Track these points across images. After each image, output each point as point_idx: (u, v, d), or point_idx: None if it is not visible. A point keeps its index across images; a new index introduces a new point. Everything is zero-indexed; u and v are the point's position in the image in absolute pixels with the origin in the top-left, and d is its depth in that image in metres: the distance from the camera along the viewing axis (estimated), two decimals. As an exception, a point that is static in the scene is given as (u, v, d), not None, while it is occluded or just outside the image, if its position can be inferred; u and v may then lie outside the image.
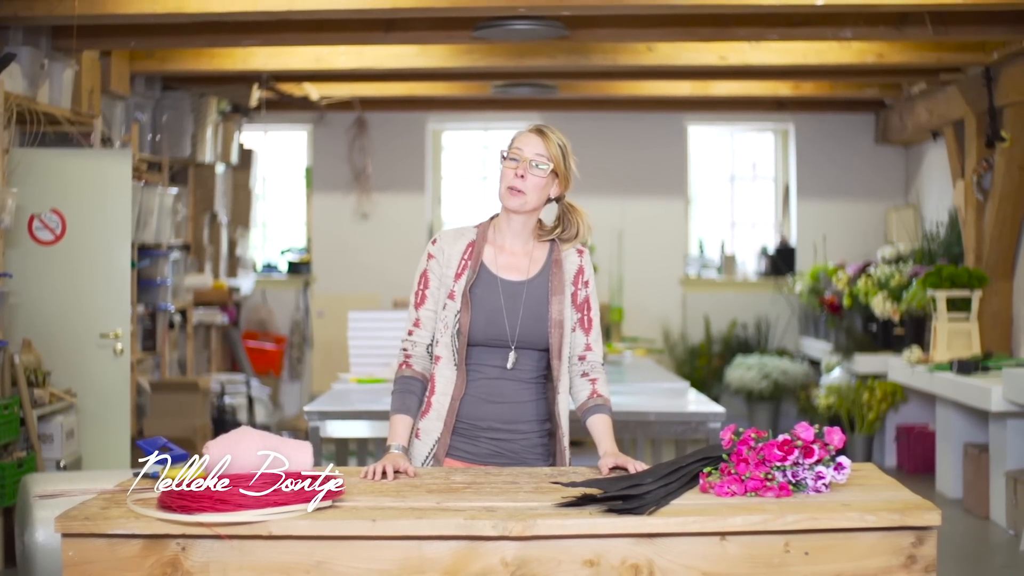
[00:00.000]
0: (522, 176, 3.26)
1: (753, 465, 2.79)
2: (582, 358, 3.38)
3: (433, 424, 3.31)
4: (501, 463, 3.32)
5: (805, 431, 2.83)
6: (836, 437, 2.85)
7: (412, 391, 3.33)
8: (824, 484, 2.79)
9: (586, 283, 3.39)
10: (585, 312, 3.39)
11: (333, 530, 2.58)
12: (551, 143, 3.28)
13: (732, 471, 2.80)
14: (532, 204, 3.30)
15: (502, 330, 3.28)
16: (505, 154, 3.30)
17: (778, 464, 2.78)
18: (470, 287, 3.29)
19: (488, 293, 3.29)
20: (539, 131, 3.30)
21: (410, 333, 3.37)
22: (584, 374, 3.38)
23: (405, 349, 3.37)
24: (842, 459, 2.84)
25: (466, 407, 3.31)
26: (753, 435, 2.86)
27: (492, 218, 3.42)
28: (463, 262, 3.33)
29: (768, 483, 2.76)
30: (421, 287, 3.36)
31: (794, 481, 2.79)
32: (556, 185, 3.33)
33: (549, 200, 3.36)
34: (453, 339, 3.29)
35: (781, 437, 2.83)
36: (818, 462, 2.80)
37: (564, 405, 3.36)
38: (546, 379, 3.37)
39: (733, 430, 2.90)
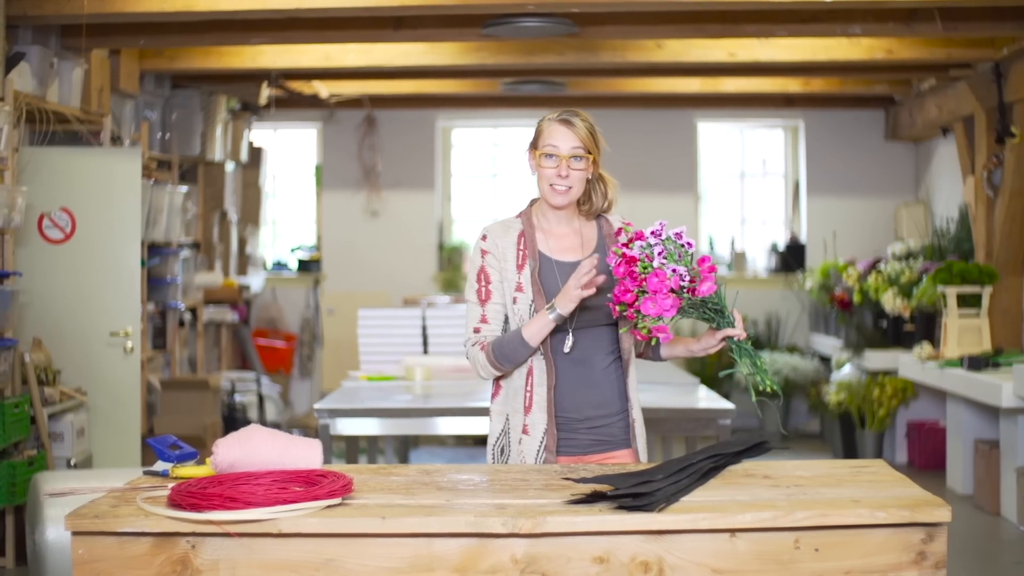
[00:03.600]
0: (565, 176, 3.28)
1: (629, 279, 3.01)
2: None
3: (538, 417, 3.30)
4: (604, 450, 3.34)
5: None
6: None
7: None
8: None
9: None
10: None
11: (342, 528, 2.58)
12: (581, 129, 3.29)
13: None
14: (576, 194, 3.33)
15: None
16: (539, 149, 3.30)
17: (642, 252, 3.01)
18: (537, 275, 3.31)
19: (549, 279, 3.32)
20: (566, 122, 3.30)
21: (476, 331, 3.32)
22: None
23: (478, 342, 3.32)
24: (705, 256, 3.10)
25: (559, 399, 3.31)
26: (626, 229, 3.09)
27: (531, 204, 3.43)
28: (520, 252, 3.33)
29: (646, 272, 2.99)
30: (483, 284, 3.34)
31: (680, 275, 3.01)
32: (592, 165, 3.34)
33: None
34: None
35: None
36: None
37: (634, 381, 3.38)
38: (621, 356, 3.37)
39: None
